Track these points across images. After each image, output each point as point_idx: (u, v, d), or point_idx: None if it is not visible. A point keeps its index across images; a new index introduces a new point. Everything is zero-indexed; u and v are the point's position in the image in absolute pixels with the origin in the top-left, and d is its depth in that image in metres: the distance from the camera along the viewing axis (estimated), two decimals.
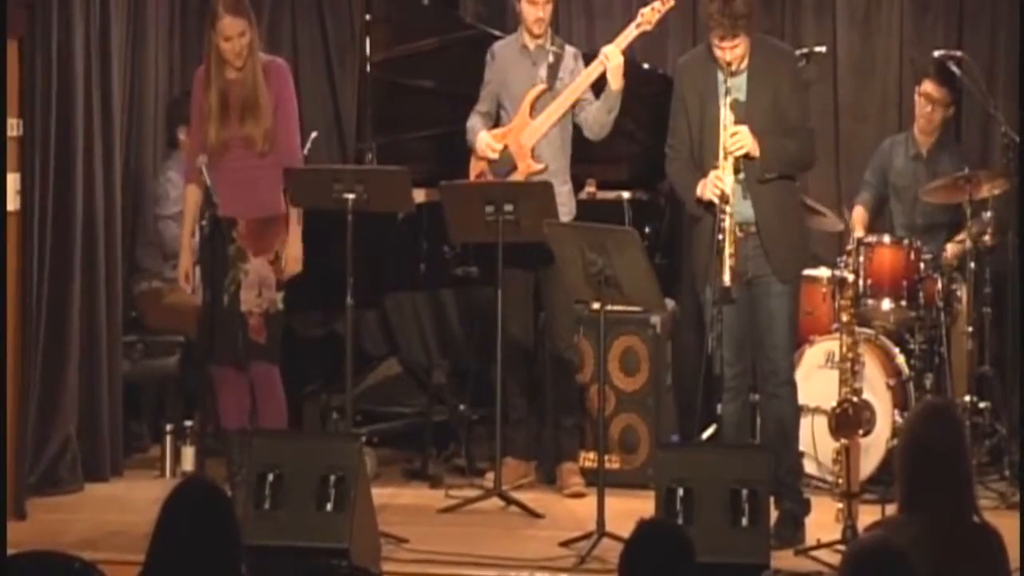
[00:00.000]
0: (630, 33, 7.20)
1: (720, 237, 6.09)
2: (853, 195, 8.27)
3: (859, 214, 7.87)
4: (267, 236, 6.76)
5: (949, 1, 8.34)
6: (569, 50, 7.44)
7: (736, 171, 6.19)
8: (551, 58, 7.35)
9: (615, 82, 7.12)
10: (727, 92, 6.19)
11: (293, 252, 6.78)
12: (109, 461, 7.39)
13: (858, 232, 7.62)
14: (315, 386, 7.97)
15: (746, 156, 6.19)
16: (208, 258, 6.58)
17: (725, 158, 6.16)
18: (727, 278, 6.06)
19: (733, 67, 6.22)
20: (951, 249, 7.60)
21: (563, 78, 7.33)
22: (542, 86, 7.32)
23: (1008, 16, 8.11)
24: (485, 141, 7.32)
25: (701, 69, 6.35)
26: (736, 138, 6.16)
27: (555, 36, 7.47)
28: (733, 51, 6.20)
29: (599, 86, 7.24)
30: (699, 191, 6.23)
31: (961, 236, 7.52)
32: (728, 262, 6.08)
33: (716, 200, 6.14)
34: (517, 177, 7.26)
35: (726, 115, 6.17)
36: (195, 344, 7.35)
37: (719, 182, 6.16)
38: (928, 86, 7.79)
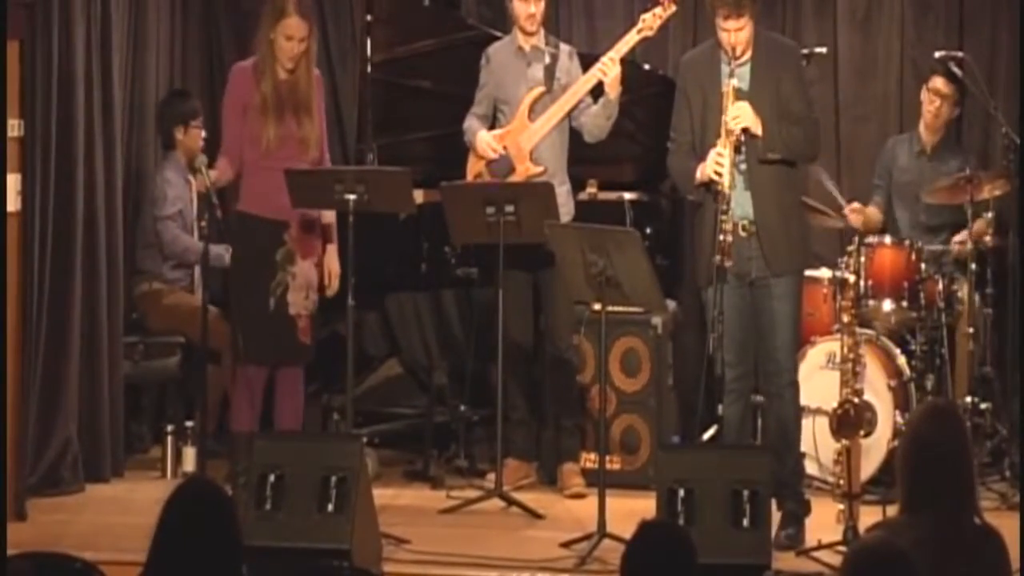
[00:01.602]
0: (631, 39, 7.19)
1: (721, 238, 6.08)
2: (854, 196, 8.27)
3: (873, 212, 7.85)
4: (313, 239, 6.83)
5: (950, 2, 8.34)
6: (564, 48, 7.43)
7: (737, 149, 6.18)
8: (547, 59, 7.34)
9: (612, 91, 7.13)
10: (730, 75, 6.19)
11: (335, 267, 6.85)
12: (110, 462, 7.39)
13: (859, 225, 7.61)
14: (316, 387, 7.97)
15: (747, 132, 6.18)
16: (207, 260, 6.60)
17: (726, 136, 6.15)
18: (724, 257, 6.06)
19: (738, 52, 6.22)
20: (958, 247, 7.59)
21: (560, 78, 7.33)
22: (540, 89, 7.32)
23: (1008, 17, 8.11)
24: (485, 140, 7.31)
25: (705, 64, 6.36)
26: (737, 112, 6.15)
27: (549, 35, 7.46)
28: (737, 34, 6.20)
29: (597, 88, 7.24)
30: (698, 174, 6.23)
31: (963, 235, 7.52)
32: (727, 239, 6.06)
33: (715, 178, 6.13)
34: (515, 180, 7.26)
35: (728, 95, 6.16)
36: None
37: (719, 159, 6.15)
38: (938, 82, 7.79)
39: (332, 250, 6.94)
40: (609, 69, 7.09)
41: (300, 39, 6.72)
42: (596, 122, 7.24)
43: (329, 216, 6.93)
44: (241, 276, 6.83)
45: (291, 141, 6.75)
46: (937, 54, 7.69)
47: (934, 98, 7.82)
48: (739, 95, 6.20)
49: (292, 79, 6.76)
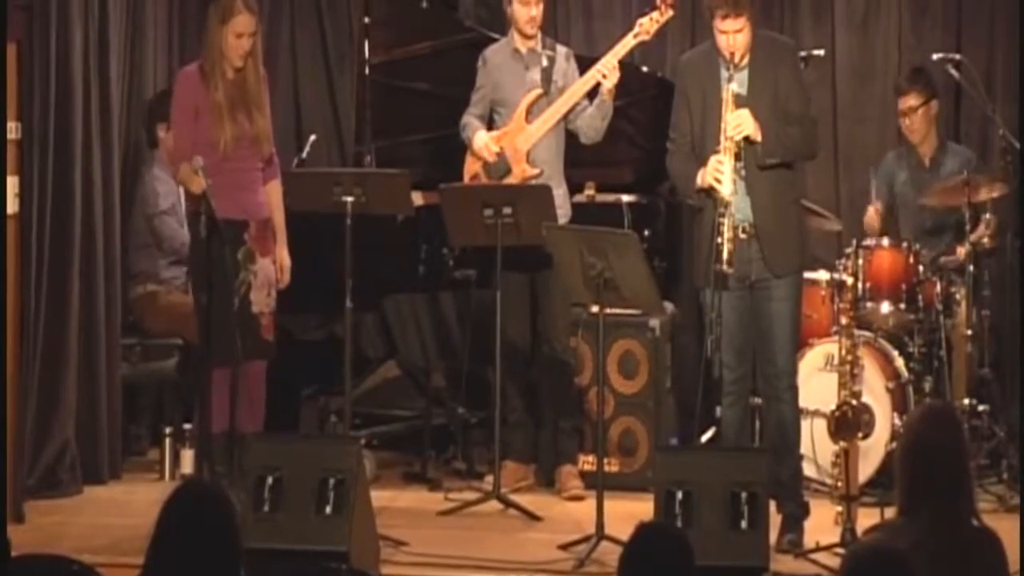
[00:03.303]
0: (628, 43, 7.19)
1: (719, 240, 6.08)
2: (853, 197, 8.28)
3: (871, 215, 7.82)
4: (269, 237, 6.82)
5: (947, 4, 8.34)
6: (560, 50, 7.44)
7: (737, 157, 6.17)
8: (544, 61, 7.35)
9: (609, 95, 7.13)
10: (729, 80, 6.18)
11: (286, 261, 6.83)
12: (108, 464, 7.38)
13: (872, 231, 7.61)
14: (314, 389, 7.97)
15: (747, 140, 6.17)
16: (203, 259, 6.59)
17: (726, 143, 6.14)
18: (724, 264, 6.05)
19: (735, 59, 6.20)
20: (963, 251, 7.57)
21: (557, 80, 7.33)
22: (538, 91, 7.32)
23: (1006, 19, 8.11)
24: (484, 141, 7.31)
25: (704, 65, 6.34)
26: (737, 120, 6.14)
27: (545, 38, 7.46)
28: (736, 36, 6.17)
29: (591, 91, 7.24)
30: (699, 180, 6.22)
31: (974, 236, 7.51)
32: (727, 247, 6.06)
33: (716, 185, 6.12)
34: (512, 181, 7.26)
35: (727, 103, 6.15)
36: (194, 346, 7.32)
37: (720, 166, 6.14)
38: (899, 102, 7.80)
39: (282, 244, 6.90)
40: (610, 74, 7.09)
41: (250, 35, 6.71)
42: (592, 123, 7.24)
43: (279, 216, 6.91)
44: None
45: (245, 141, 6.74)
46: (934, 57, 7.69)
47: (904, 117, 7.80)
48: (738, 101, 6.19)
49: (240, 77, 6.74)
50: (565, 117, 7.29)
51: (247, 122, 6.72)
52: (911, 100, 7.77)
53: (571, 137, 7.37)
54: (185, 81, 6.84)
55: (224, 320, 6.61)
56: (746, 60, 6.27)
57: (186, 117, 6.77)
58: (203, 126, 6.71)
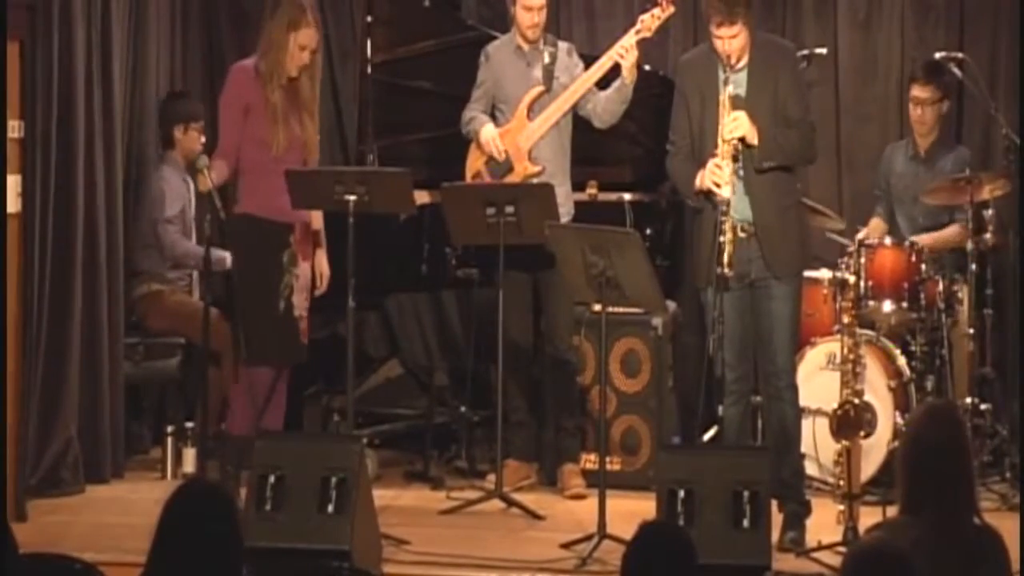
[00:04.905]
0: (629, 39, 7.19)
1: (721, 239, 6.08)
2: (854, 197, 8.28)
3: (876, 225, 7.83)
4: (310, 242, 6.88)
5: (950, 2, 8.33)
6: (562, 46, 7.44)
7: (735, 159, 6.18)
8: (547, 58, 7.34)
9: (629, 76, 7.11)
10: (726, 82, 6.18)
11: (326, 269, 6.90)
12: (110, 463, 7.39)
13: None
14: (316, 388, 7.98)
15: (744, 142, 6.17)
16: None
17: (723, 145, 6.14)
18: (725, 266, 6.05)
19: (733, 60, 6.21)
20: (925, 239, 7.54)
21: (559, 77, 7.33)
22: (540, 88, 7.32)
23: (1009, 17, 8.10)
24: (492, 134, 7.29)
25: (703, 67, 6.35)
26: (734, 122, 6.15)
27: (547, 34, 7.46)
28: (731, 41, 6.18)
29: (599, 82, 7.24)
30: (698, 182, 6.22)
31: (944, 232, 7.51)
32: (727, 248, 6.07)
33: (715, 188, 6.13)
34: (514, 179, 7.26)
35: (725, 105, 6.15)
36: (197, 345, 7.33)
37: (717, 170, 6.15)
38: (914, 89, 7.78)
39: (321, 253, 7.01)
40: (628, 54, 7.09)
41: (313, 51, 6.78)
42: (609, 107, 7.21)
43: (318, 220, 6.96)
44: (247, 279, 6.84)
45: (297, 144, 6.82)
46: (937, 55, 7.69)
47: (915, 106, 7.79)
48: (737, 102, 6.19)
49: (293, 85, 6.80)
50: (567, 114, 7.28)
51: (298, 126, 6.80)
52: (928, 92, 7.74)
53: (576, 130, 7.35)
54: (239, 77, 6.87)
55: (265, 321, 6.66)
56: (744, 61, 6.28)
57: (236, 113, 6.83)
58: (254, 125, 6.75)
